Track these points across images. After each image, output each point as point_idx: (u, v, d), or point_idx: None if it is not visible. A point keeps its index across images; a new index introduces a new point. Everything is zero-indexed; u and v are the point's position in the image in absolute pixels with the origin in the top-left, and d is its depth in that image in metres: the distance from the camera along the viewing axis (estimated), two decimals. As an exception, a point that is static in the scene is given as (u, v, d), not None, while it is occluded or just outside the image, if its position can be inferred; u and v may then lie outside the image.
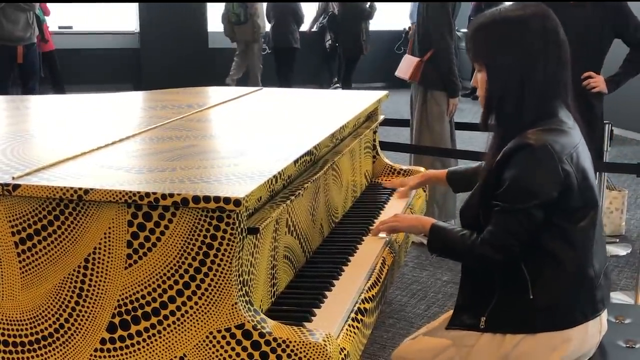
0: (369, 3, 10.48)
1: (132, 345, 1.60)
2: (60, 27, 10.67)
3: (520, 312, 1.84)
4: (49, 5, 9.01)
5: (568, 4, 3.69)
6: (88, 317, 1.62)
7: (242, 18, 9.53)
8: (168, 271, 1.56)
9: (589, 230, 1.84)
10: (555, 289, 1.82)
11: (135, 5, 10.74)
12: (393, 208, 2.72)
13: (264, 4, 10.00)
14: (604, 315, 1.94)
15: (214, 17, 10.96)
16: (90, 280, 1.61)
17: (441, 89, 4.28)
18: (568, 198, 1.79)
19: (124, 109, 2.94)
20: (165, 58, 10.47)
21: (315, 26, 11.50)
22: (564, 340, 1.83)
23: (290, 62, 10.47)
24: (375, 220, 2.52)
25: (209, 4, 10.98)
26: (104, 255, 1.59)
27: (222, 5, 9.85)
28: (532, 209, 1.76)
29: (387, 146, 3.97)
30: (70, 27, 10.93)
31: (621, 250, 4.45)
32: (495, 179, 1.81)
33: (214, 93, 3.36)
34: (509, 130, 1.82)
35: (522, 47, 1.80)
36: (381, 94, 3.16)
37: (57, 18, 10.17)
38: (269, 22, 10.35)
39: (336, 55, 11.30)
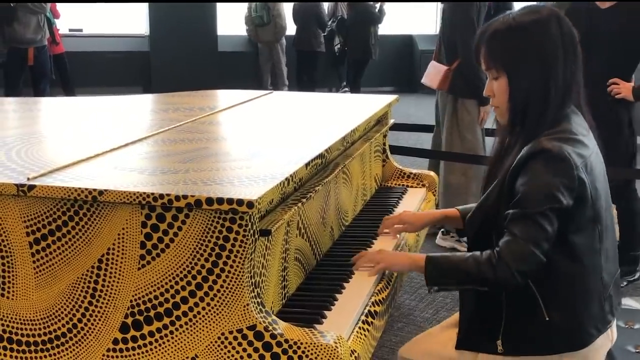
0: (377, 7, 10.48)
1: (145, 345, 1.61)
2: (70, 30, 10.72)
3: (537, 334, 1.78)
4: (59, 8, 9.06)
5: (600, 8, 3.66)
6: (101, 317, 1.64)
7: (266, 19, 10.05)
8: (181, 272, 1.57)
9: (597, 243, 1.81)
10: (569, 308, 1.78)
11: (146, 8, 10.78)
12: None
13: (285, 5, 10.23)
14: (614, 323, 1.91)
15: (224, 21, 11.03)
16: (104, 280, 1.62)
17: (471, 97, 4.20)
18: (581, 210, 1.74)
19: (136, 112, 2.96)
20: (174, 61, 10.50)
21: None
22: (580, 358, 1.80)
23: (313, 66, 10.82)
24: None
25: (218, 8, 11.01)
26: (118, 255, 1.61)
27: (232, 9, 9.96)
28: (550, 212, 1.68)
29: (396, 150, 3.97)
30: (81, 30, 10.98)
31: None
32: (510, 186, 1.76)
33: (225, 96, 3.38)
34: (531, 135, 1.78)
35: (543, 52, 1.77)
36: (391, 97, 3.17)
37: (67, 21, 10.22)
38: (295, 24, 10.67)
39: (345, 59, 11.31)
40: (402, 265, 2.00)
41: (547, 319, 1.76)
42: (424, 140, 6.81)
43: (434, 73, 4.41)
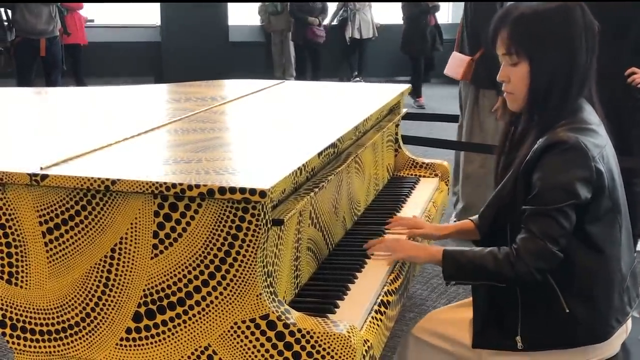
0: (431, 6, 10.07)
1: (158, 334, 1.61)
2: (82, 20, 10.73)
3: (558, 327, 1.76)
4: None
5: None
6: (114, 306, 1.64)
7: (279, 8, 10.14)
8: (193, 261, 1.57)
9: (615, 234, 1.79)
10: (590, 299, 1.75)
11: (157, -2, 10.79)
12: (415, 202, 2.72)
13: None
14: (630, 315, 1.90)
15: (235, 11, 11.03)
16: (117, 269, 1.63)
17: (492, 88, 4.15)
18: (599, 200, 1.72)
19: (149, 101, 2.96)
20: (186, 51, 10.51)
21: (335, 20, 11.49)
22: (597, 349, 1.79)
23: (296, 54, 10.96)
24: (397, 214, 2.52)
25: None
26: (131, 245, 1.61)
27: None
28: (568, 208, 1.67)
29: (408, 140, 3.94)
30: (92, 21, 10.99)
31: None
32: (525, 179, 1.74)
33: (237, 86, 3.38)
34: (549, 124, 1.76)
35: (569, 39, 1.75)
36: (404, 87, 3.15)
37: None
38: None
39: (357, 49, 11.28)
40: (419, 258, 1.97)
41: (568, 311, 1.74)
42: (437, 130, 6.78)
43: (456, 64, 4.35)
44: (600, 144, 1.74)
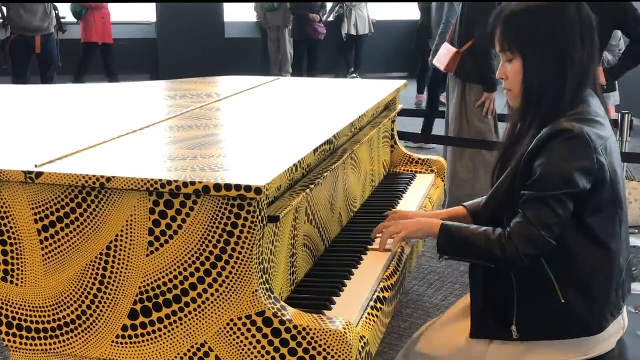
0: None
1: (154, 331, 1.61)
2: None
3: (553, 317, 1.77)
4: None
5: None
6: (110, 303, 1.64)
7: (275, 4, 10.14)
8: (189, 258, 1.57)
9: (616, 228, 1.79)
10: (587, 291, 1.76)
11: (153, -5, 10.76)
12: (411, 198, 2.72)
13: None
14: (624, 310, 1.89)
15: (231, 7, 11.01)
16: (112, 267, 1.62)
17: (478, 82, 4.13)
18: (599, 192, 1.72)
19: (144, 98, 2.95)
20: (181, 48, 10.48)
21: (331, 16, 11.47)
22: (592, 344, 1.79)
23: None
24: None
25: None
26: (126, 242, 1.60)
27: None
28: (565, 197, 1.67)
29: (405, 136, 3.95)
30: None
31: (639, 241, 4.42)
32: (527, 168, 1.74)
33: (232, 82, 3.37)
34: (547, 119, 1.76)
35: (561, 35, 1.76)
36: (399, 83, 3.15)
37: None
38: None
39: (353, 45, 11.26)
40: (420, 232, 2.00)
41: (563, 301, 1.74)
42: (434, 126, 6.78)
43: (443, 55, 4.31)
44: (604, 135, 1.75)
